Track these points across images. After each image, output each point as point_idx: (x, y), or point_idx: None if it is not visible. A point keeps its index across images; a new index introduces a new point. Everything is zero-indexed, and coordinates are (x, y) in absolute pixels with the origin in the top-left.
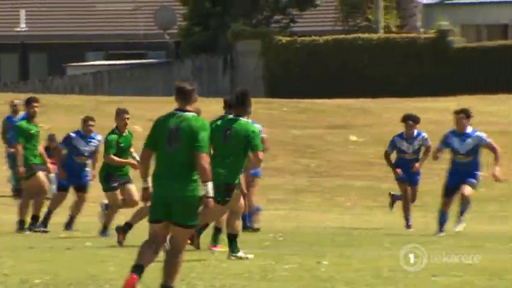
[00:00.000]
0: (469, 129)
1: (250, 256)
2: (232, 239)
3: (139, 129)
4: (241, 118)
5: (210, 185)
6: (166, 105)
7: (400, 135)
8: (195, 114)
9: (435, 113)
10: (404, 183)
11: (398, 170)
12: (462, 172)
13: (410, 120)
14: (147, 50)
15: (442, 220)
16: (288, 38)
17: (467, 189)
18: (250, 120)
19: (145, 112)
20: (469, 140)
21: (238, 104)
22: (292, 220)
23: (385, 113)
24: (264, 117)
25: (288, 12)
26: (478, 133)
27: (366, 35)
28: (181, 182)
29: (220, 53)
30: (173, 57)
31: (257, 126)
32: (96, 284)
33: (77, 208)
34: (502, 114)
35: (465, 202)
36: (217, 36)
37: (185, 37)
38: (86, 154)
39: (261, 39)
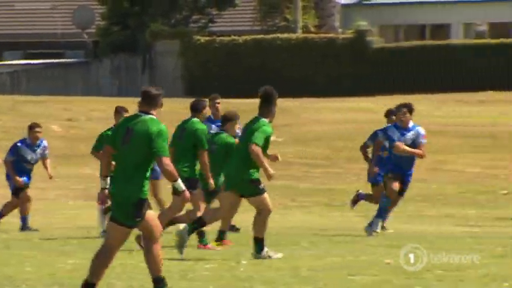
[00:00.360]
0: (410, 124)
1: (278, 255)
2: (258, 243)
3: (57, 129)
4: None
5: (179, 182)
6: (85, 104)
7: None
8: (154, 118)
9: (353, 113)
10: (377, 186)
11: (376, 169)
12: (401, 168)
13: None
14: (66, 49)
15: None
16: (207, 38)
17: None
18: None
19: (63, 112)
20: (409, 134)
21: (261, 104)
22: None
23: (303, 113)
24: (183, 117)
25: (207, 12)
26: (418, 128)
27: (285, 35)
28: (126, 182)
29: (139, 52)
30: (91, 56)
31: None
32: (12, 284)
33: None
34: (419, 115)
35: (396, 201)
36: (136, 36)
37: (103, 37)
38: (33, 162)
39: (179, 39)
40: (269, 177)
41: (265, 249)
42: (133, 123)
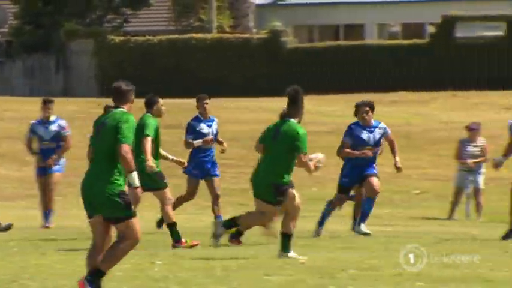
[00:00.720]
0: (372, 121)
1: (302, 258)
2: (285, 239)
3: None
4: (290, 120)
5: (133, 175)
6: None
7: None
8: (124, 110)
9: (269, 113)
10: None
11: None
12: (362, 166)
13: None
14: None
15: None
16: (121, 38)
17: (376, 181)
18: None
19: None
20: (377, 131)
21: (288, 104)
22: None
23: (219, 113)
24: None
25: (122, 11)
26: (382, 124)
27: (200, 35)
28: (97, 176)
29: (53, 52)
30: (4, 56)
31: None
32: None
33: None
34: (334, 115)
35: (375, 195)
36: (50, 35)
37: (16, 36)
38: (47, 139)
39: (94, 39)
40: (310, 172)
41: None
42: (105, 118)
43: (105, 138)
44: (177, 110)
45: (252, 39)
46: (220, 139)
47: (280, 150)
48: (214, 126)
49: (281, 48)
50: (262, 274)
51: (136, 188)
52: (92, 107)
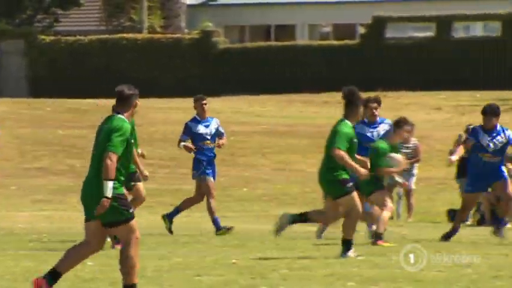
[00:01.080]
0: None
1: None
2: (343, 244)
3: None
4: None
5: (108, 184)
6: None
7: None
8: (121, 117)
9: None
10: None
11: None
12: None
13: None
14: None
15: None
16: (52, 38)
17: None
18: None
19: None
20: (385, 126)
21: (345, 105)
22: (57, 221)
23: (150, 114)
24: (27, 117)
25: (52, 11)
26: (387, 120)
27: (130, 35)
28: (94, 181)
29: None
30: None
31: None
32: None
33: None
34: (267, 115)
35: None
36: None
37: None
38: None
39: (24, 39)
40: (361, 176)
41: (352, 249)
42: (103, 123)
43: (100, 144)
44: (108, 110)
45: (183, 39)
46: (219, 139)
47: (327, 148)
48: (214, 126)
49: (212, 48)
50: (193, 275)
51: (106, 197)
52: (23, 108)
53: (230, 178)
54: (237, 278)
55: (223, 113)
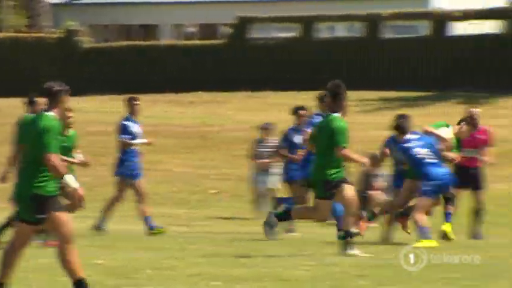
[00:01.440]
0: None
1: (358, 252)
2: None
3: None
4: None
5: (66, 178)
6: None
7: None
8: (52, 114)
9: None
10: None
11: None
12: None
13: (303, 110)
14: None
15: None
16: None
17: None
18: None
19: None
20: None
21: (331, 99)
22: None
23: (13, 113)
24: None
25: None
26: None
27: None
28: (23, 180)
29: None
30: None
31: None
32: None
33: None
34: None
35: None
36: None
37: None
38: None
39: None
40: (363, 164)
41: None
42: (33, 122)
43: (31, 144)
44: None
45: (47, 38)
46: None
47: (323, 145)
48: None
49: (76, 48)
50: (59, 275)
51: (75, 189)
52: None
53: (96, 178)
54: (103, 279)
55: (90, 112)
